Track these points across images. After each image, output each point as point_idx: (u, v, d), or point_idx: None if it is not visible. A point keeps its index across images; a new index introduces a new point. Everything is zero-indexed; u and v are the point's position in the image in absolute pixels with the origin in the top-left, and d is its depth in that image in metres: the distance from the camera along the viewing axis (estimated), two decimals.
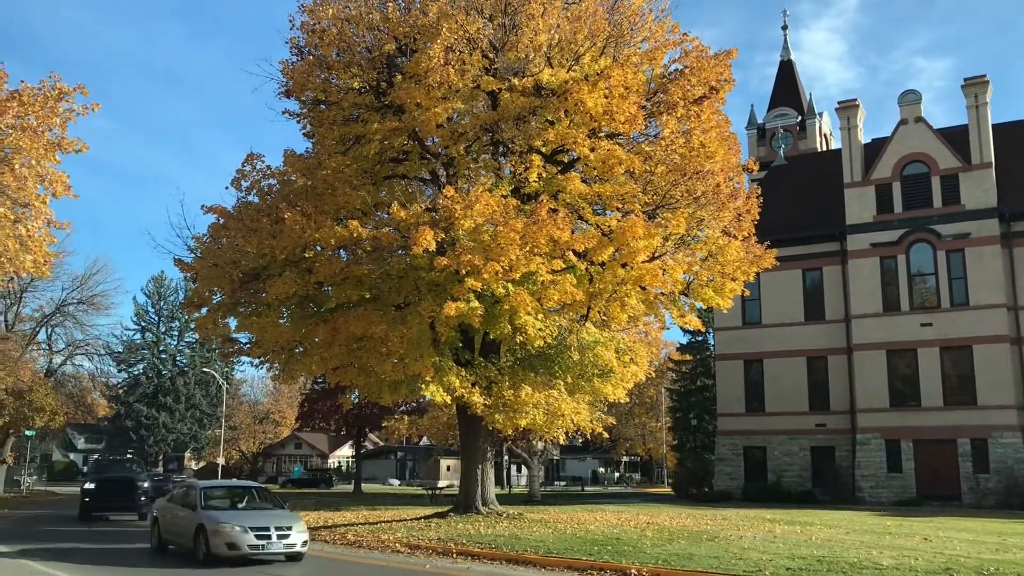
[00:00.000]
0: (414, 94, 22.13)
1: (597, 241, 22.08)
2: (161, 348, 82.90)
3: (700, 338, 63.55)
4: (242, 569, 16.38)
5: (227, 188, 26.70)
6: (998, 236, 39.86)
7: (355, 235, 21.79)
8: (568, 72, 23.20)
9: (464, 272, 20.57)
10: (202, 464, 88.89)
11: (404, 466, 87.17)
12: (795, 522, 26.07)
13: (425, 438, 74.09)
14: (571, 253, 22.20)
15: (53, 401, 48.41)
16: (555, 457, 74.29)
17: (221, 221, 24.86)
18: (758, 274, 28.29)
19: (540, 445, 45.81)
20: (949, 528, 24.53)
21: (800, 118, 62.37)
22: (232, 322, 26.23)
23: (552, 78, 22.90)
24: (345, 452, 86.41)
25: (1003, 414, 38.31)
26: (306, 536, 17.50)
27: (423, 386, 22.57)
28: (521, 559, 17.23)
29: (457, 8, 22.96)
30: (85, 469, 38.94)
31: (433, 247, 20.72)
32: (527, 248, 20.83)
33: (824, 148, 61.90)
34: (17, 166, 17.42)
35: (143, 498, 30.86)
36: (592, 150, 22.39)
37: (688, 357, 65.61)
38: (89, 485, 30.64)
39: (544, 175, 23.38)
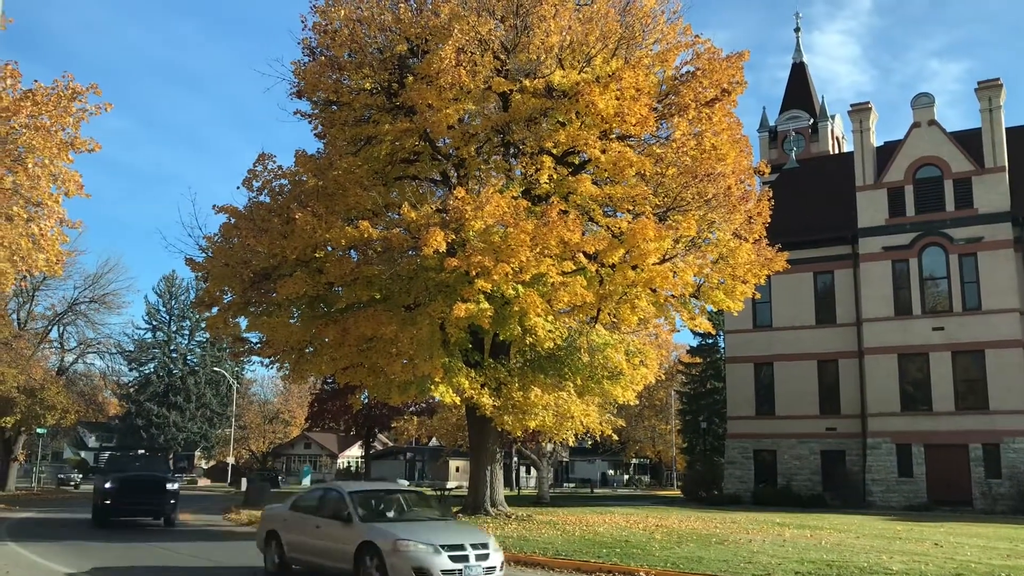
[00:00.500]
0: (425, 95, 22.15)
1: (607, 243, 22.06)
2: (172, 347, 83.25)
3: (710, 341, 63.54)
4: None
5: (238, 188, 26.87)
6: (1011, 240, 39.62)
7: (366, 236, 21.83)
8: (579, 74, 23.19)
9: (474, 273, 20.57)
10: (212, 463, 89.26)
11: (413, 467, 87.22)
12: (805, 526, 25.97)
13: (434, 439, 74.35)
14: (581, 255, 22.19)
15: (64, 399, 48.63)
16: (564, 459, 74.12)
17: (232, 221, 24.93)
18: (769, 277, 28.19)
19: (549, 447, 45.77)
20: (960, 533, 24.37)
21: (812, 121, 62.12)
22: (243, 322, 26.32)
23: (563, 80, 22.89)
24: (355, 452, 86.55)
25: (1015, 419, 38.04)
26: (502, 556, 14.10)
27: (432, 387, 22.58)
28: (529, 560, 17.20)
29: (469, 9, 22.99)
30: (99, 466, 33.69)
31: (443, 248, 20.72)
32: (537, 250, 20.82)
33: (836, 151, 61.64)
34: (30, 165, 17.50)
35: (172, 500, 26.76)
36: (603, 152, 22.38)
37: (698, 360, 65.58)
38: (109, 485, 26.00)
39: (555, 176, 23.37)
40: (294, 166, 25.11)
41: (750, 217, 25.81)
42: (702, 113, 24.07)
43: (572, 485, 78.88)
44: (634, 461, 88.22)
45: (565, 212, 21.95)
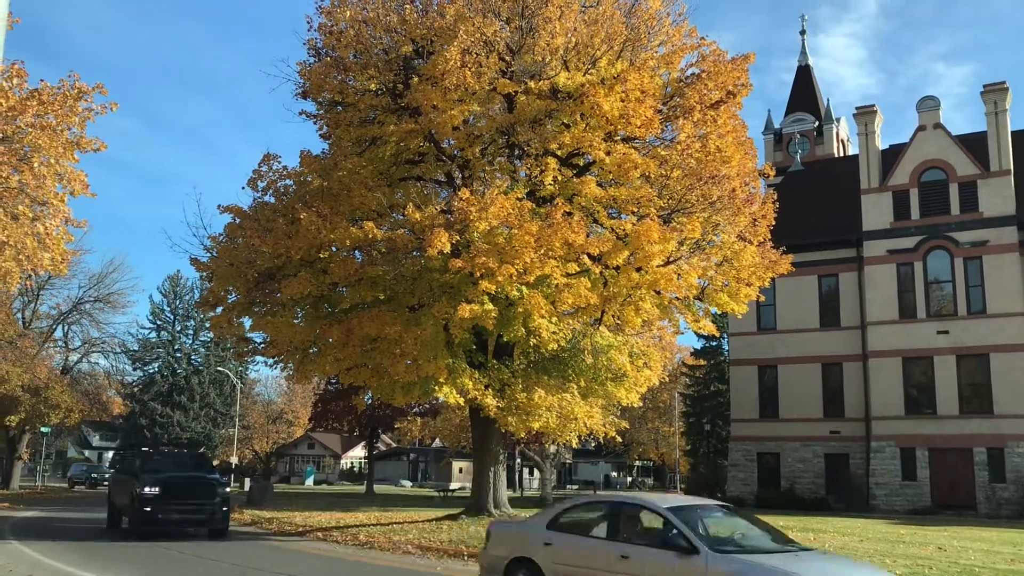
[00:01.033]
0: (430, 96, 22.16)
1: (612, 245, 22.04)
2: (176, 347, 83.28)
3: (714, 343, 63.37)
4: None
5: (243, 188, 26.86)
6: (1016, 244, 39.55)
7: (370, 236, 21.84)
8: (584, 75, 23.18)
9: (478, 274, 20.57)
10: (216, 463, 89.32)
11: (416, 468, 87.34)
12: (808, 529, 25.91)
13: (438, 440, 74.28)
14: (586, 256, 22.17)
15: (69, 398, 48.76)
16: (567, 461, 74.23)
17: (237, 221, 24.97)
18: (773, 280, 28.18)
19: (553, 448, 45.81)
20: (964, 538, 24.33)
21: (817, 123, 62.08)
22: (247, 321, 26.33)
23: (568, 81, 22.87)
24: (358, 453, 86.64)
25: (1020, 423, 37.98)
26: None
27: (436, 388, 22.58)
28: None
29: (474, 11, 22.99)
30: (124, 464, 28.21)
31: (448, 249, 20.72)
32: (542, 251, 20.82)
33: (841, 154, 61.59)
34: (36, 164, 17.53)
35: (225, 508, 22.90)
36: (608, 154, 22.36)
37: (702, 362, 65.43)
38: (149, 488, 21.75)
39: (559, 178, 23.36)
40: (299, 167, 25.16)
41: (755, 220, 25.80)
42: (707, 115, 24.04)
43: (575, 487, 78.83)
44: (637, 463, 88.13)
45: (569, 214, 21.95)
